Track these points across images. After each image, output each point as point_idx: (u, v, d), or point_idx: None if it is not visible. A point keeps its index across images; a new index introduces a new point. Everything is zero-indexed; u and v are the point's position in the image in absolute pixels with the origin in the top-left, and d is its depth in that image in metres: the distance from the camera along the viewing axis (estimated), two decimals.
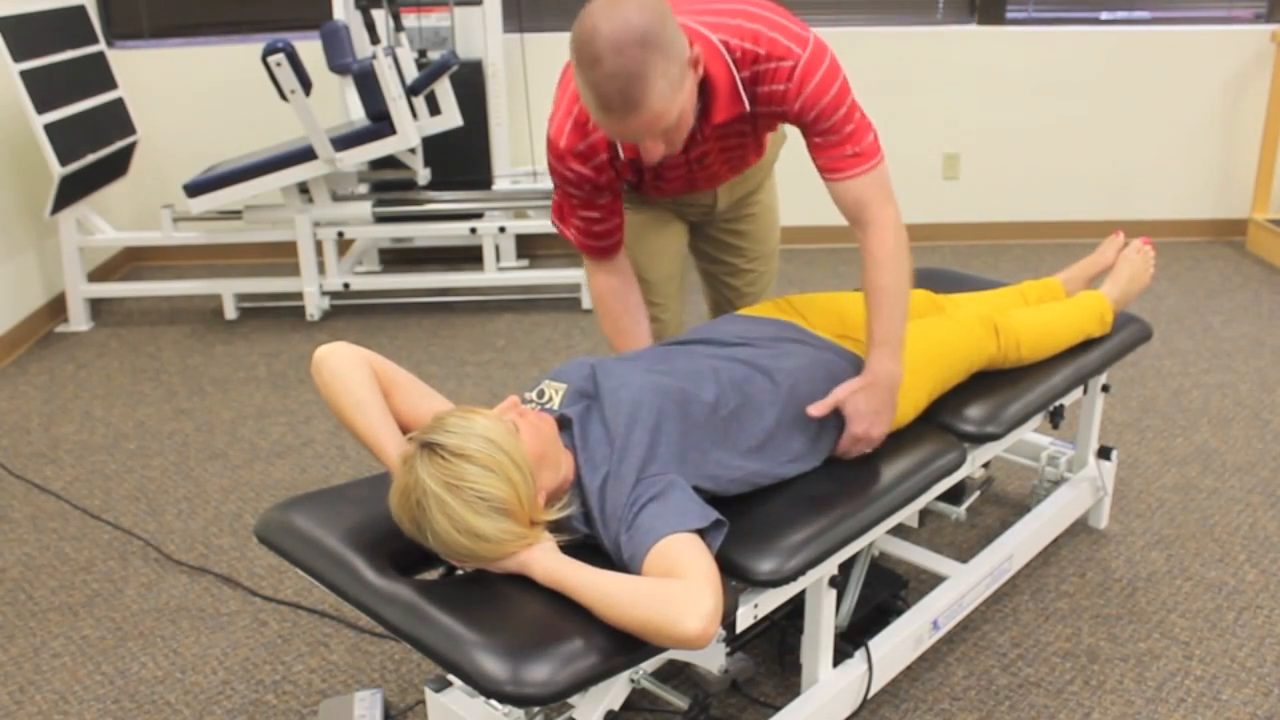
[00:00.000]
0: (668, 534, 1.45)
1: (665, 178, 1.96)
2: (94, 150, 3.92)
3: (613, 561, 1.52)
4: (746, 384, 1.73)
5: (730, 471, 1.66)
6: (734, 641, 1.59)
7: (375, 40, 3.64)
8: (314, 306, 4.06)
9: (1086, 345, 2.26)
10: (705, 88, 1.74)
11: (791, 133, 2.11)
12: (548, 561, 1.47)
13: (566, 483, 1.58)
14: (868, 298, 1.80)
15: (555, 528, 1.55)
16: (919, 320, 2.06)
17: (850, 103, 1.79)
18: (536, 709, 1.84)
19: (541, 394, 1.68)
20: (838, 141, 1.79)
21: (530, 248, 4.72)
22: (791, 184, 4.77)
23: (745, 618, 1.61)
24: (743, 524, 1.60)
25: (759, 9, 1.78)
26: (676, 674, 2.07)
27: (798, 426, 1.76)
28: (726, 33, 1.74)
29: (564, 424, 1.62)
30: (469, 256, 4.70)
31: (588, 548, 1.56)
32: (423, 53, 4.23)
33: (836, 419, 1.81)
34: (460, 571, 1.64)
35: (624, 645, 1.38)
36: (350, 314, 4.15)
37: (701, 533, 1.48)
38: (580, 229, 1.97)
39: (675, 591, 1.35)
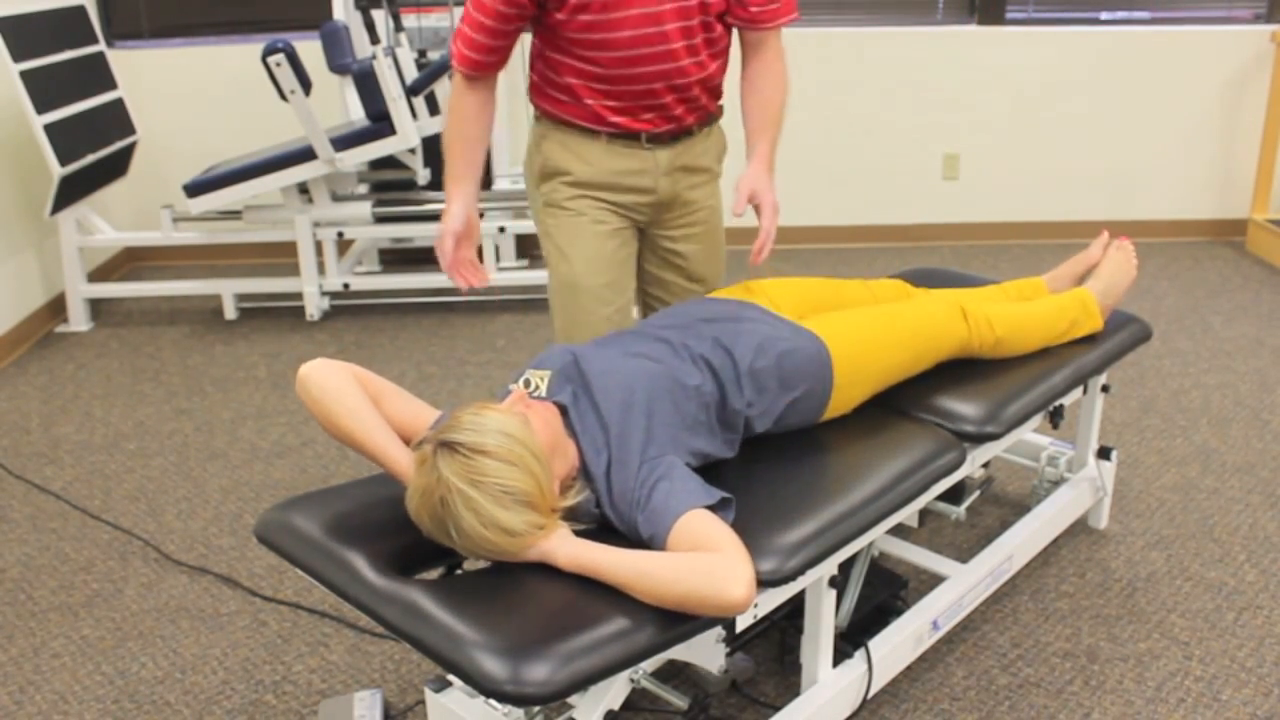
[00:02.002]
0: (684, 511, 1.49)
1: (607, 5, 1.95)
2: (94, 150, 3.92)
3: (629, 541, 1.54)
4: (720, 366, 1.76)
5: (708, 447, 1.72)
6: (734, 641, 1.59)
7: (375, 40, 3.64)
8: (314, 306, 4.06)
9: (1086, 345, 2.26)
10: None
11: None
12: (569, 547, 1.49)
13: (575, 469, 1.60)
14: (758, 106, 2.09)
15: (570, 515, 1.57)
16: (880, 305, 2.09)
17: None
18: (536, 709, 1.84)
19: (528, 383, 1.70)
20: None
21: (530, 248, 4.72)
22: (789, 184, 4.78)
23: (745, 618, 1.61)
24: (742, 523, 1.60)
25: None
26: (676, 674, 2.07)
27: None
28: None
29: (562, 411, 1.64)
30: None
31: (598, 532, 1.58)
32: (422, 53, 4.23)
33: (792, 404, 1.84)
34: (460, 571, 1.64)
35: (624, 644, 1.38)
36: (350, 314, 4.15)
37: (712, 508, 1.52)
38: (471, 42, 1.99)
39: (715, 563, 1.40)
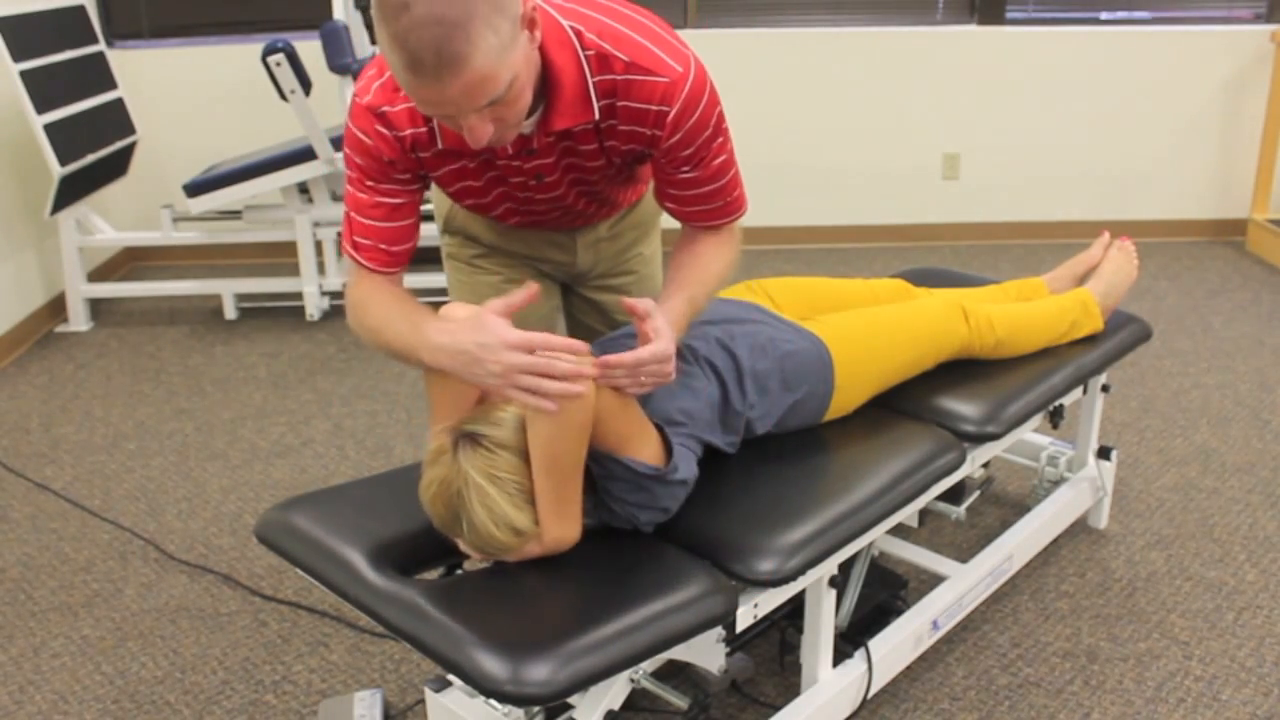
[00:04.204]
0: None
1: (493, 189, 1.64)
2: (94, 150, 3.92)
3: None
4: (724, 367, 1.75)
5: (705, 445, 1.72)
6: (734, 641, 1.59)
7: (375, 40, 3.63)
8: (314, 306, 4.06)
9: (1086, 345, 2.26)
10: (546, 82, 1.44)
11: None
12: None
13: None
14: (691, 270, 1.61)
15: None
16: (881, 306, 2.09)
17: (730, 142, 1.58)
18: (536, 709, 1.84)
19: None
20: (711, 191, 1.57)
21: None
22: (789, 184, 4.78)
23: (745, 617, 1.61)
24: (743, 523, 1.60)
25: (633, 11, 1.50)
26: (676, 674, 2.07)
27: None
28: (584, 24, 1.45)
29: None
30: None
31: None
32: None
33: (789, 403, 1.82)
34: (460, 571, 1.64)
35: (624, 644, 1.38)
36: None
37: (669, 451, 1.57)
38: (371, 232, 1.64)
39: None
